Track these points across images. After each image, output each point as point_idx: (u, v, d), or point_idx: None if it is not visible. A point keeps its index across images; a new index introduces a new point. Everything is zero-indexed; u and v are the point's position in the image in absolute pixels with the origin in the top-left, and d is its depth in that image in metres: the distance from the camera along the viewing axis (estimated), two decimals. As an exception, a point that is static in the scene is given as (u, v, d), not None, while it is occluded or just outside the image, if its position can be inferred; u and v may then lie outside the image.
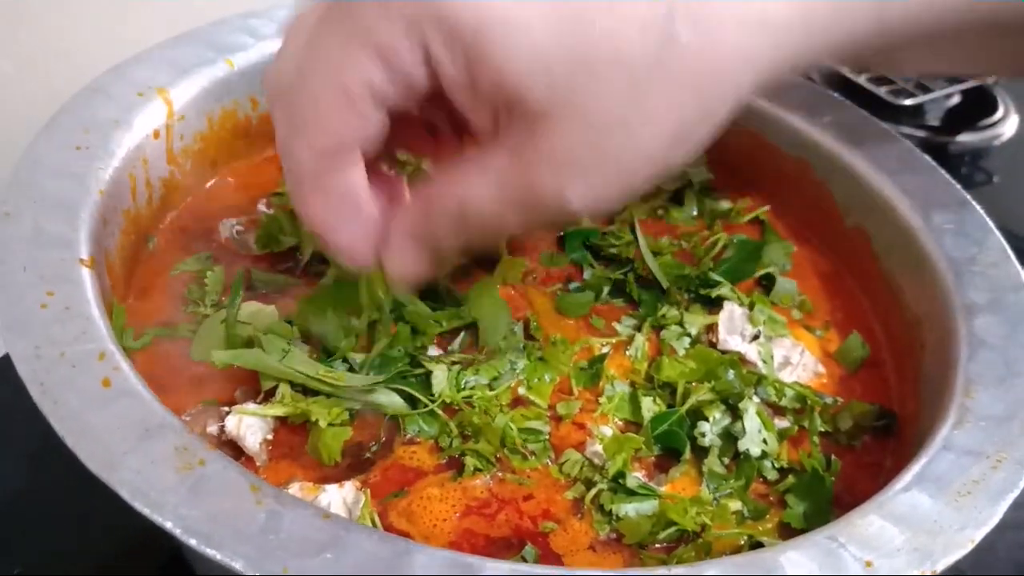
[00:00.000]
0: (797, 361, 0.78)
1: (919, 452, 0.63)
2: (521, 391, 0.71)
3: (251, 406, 0.66)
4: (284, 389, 0.67)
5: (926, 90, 1.25)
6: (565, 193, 0.53)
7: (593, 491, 0.65)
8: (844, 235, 0.91)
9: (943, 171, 0.88)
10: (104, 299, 0.65)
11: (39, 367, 0.55)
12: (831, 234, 0.93)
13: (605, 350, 0.77)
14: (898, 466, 0.63)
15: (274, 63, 0.58)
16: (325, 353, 0.70)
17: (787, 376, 0.77)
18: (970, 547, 0.56)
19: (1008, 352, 0.70)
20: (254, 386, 0.68)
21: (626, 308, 0.82)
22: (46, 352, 0.56)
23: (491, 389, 0.70)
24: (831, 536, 0.55)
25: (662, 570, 0.54)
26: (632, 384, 0.74)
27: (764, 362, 0.77)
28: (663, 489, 0.67)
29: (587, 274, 0.83)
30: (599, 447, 0.68)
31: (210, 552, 0.48)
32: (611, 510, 0.64)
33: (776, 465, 0.70)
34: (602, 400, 0.72)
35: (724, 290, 0.82)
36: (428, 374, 0.69)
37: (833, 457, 0.71)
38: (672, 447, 0.70)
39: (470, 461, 0.66)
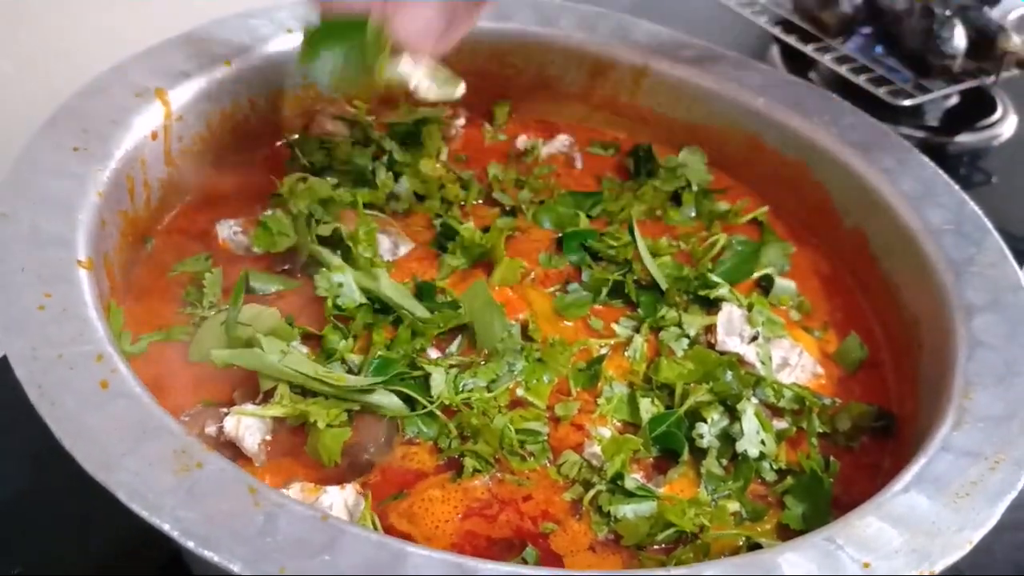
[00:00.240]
0: (796, 362, 0.78)
1: (917, 453, 0.63)
2: (520, 392, 0.71)
3: (250, 407, 0.66)
4: (283, 390, 0.67)
5: (925, 91, 1.24)
6: None
7: (592, 492, 0.66)
8: (843, 236, 0.91)
9: (942, 172, 0.88)
10: (102, 300, 0.65)
11: (36, 368, 0.55)
12: (830, 235, 0.93)
13: (603, 351, 0.77)
14: (897, 467, 0.63)
15: None
16: (324, 355, 0.70)
17: (785, 377, 0.77)
18: (968, 548, 0.56)
19: (1007, 352, 0.70)
20: (253, 387, 0.67)
21: (625, 309, 0.82)
22: (43, 353, 0.56)
23: (489, 391, 0.70)
24: (829, 537, 0.55)
25: (660, 571, 0.54)
26: (630, 385, 0.74)
27: (762, 363, 0.77)
28: (661, 490, 0.67)
29: (585, 275, 0.83)
30: (597, 448, 0.68)
31: (208, 554, 0.48)
32: (609, 511, 0.64)
33: (774, 466, 0.70)
34: (600, 401, 0.72)
35: (723, 291, 0.81)
36: (427, 376, 0.69)
37: (832, 458, 0.71)
38: (670, 448, 0.70)
39: (469, 462, 0.66)
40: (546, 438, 0.69)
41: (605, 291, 0.82)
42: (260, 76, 0.90)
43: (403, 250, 0.83)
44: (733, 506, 0.67)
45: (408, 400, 0.68)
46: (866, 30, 1.34)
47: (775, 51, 1.42)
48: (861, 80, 1.24)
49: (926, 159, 0.89)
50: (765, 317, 0.80)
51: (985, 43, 1.24)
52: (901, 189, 0.86)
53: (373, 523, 0.61)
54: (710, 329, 0.79)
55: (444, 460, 0.67)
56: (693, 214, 0.94)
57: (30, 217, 0.66)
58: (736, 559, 0.57)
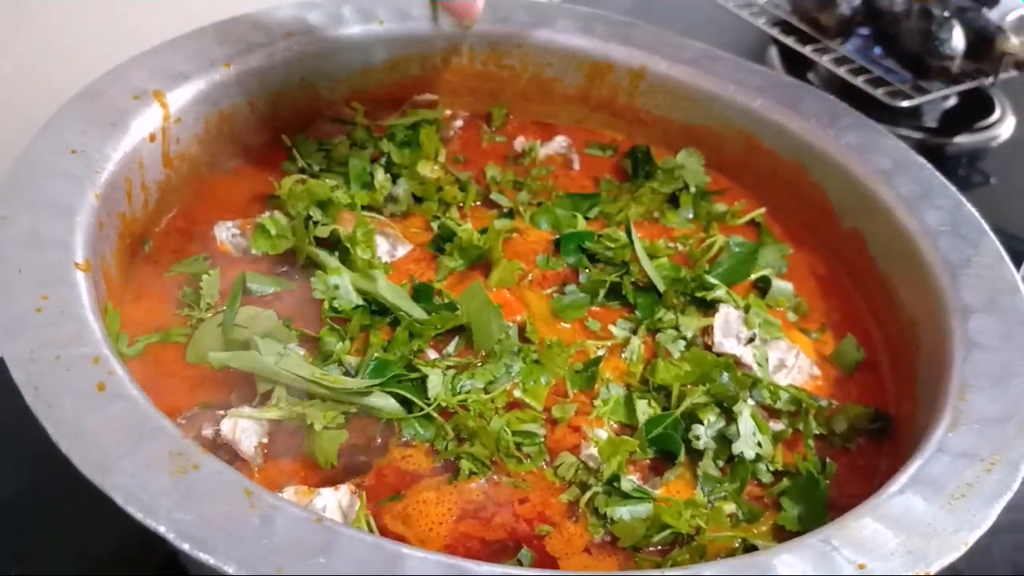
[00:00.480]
0: (792, 363, 0.78)
1: (914, 455, 0.63)
2: (517, 394, 0.71)
3: (247, 409, 0.66)
4: (280, 392, 0.67)
5: (923, 92, 1.24)
6: None
7: (588, 494, 0.66)
8: (840, 237, 0.91)
9: (939, 174, 0.88)
10: (99, 302, 0.65)
11: (34, 371, 0.56)
12: (827, 236, 0.93)
13: (601, 353, 0.77)
14: (893, 468, 0.63)
15: None
16: (321, 357, 0.70)
17: (782, 379, 0.77)
18: (964, 550, 0.56)
19: (1003, 354, 0.70)
20: (250, 389, 0.68)
21: (622, 311, 0.82)
22: (40, 355, 0.57)
23: (486, 392, 0.70)
24: (825, 539, 0.55)
25: (656, 573, 0.54)
26: (627, 387, 0.74)
27: (759, 365, 0.77)
28: (658, 492, 0.67)
29: (583, 277, 0.83)
30: (594, 450, 0.68)
31: (203, 557, 0.48)
32: (606, 513, 0.64)
33: (771, 468, 0.70)
34: (597, 403, 0.72)
35: (720, 293, 0.82)
36: (424, 378, 0.69)
37: (828, 460, 0.71)
38: (667, 450, 0.70)
39: (465, 464, 0.66)
40: (543, 440, 0.69)
41: (602, 293, 0.82)
42: (259, 78, 0.90)
43: (401, 252, 0.83)
44: (729, 508, 0.67)
45: (405, 402, 0.68)
46: (864, 31, 1.34)
47: (773, 52, 1.42)
48: (859, 81, 1.25)
49: (923, 160, 0.89)
50: (762, 319, 0.80)
51: (983, 44, 1.24)
52: (898, 191, 0.86)
53: (368, 525, 0.61)
54: (707, 331, 0.79)
55: (441, 462, 0.67)
56: (690, 216, 0.94)
57: (28, 219, 0.66)
58: (732, 561, 0.57)
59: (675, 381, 0.73)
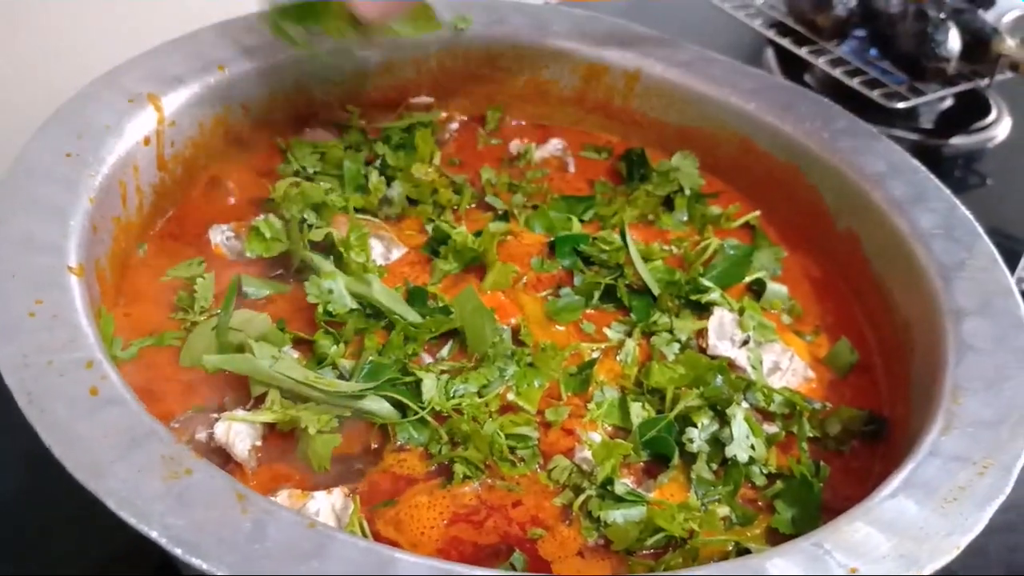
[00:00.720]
0: (787, 366, 0.79)
1: (906, 458, 0.63)
2: (510, 397, 0.72)
3: (240, 412, 0.66)
4: (274, 395, 0.67)
5: (919, 93, 1.24)
6: None
7: (582, 497, 0.66)
8: (835, 239, 0.91)
9: (933, 176, 0.88)
10: (93, 306, 0.65)
11: (27, 375, 0.56)
12: (822, 238, 0.93)
13: (595, 355, 0.77)
14: (887, 471, 0.63)
15: None
16: (316, 360, 0.70)
17: (776, 381, 0.77)
18: (956, 553, 0.56)
19: (996, 357, 0.70)
20: (244, 393, 0.68)
21: (617, 313, 0.82)
22: (34, 360, 0.57)
23: (480, 396, 0.70)
24: (817, 543, 0.55)
25: (649, 577, 0.54)
26: (622, 389, 0.74)
27: (753, 367, 0.77)
28: (651, 495, 0.67)
29: (577, 280, 0.84)
30: (588, 453, 0.68)
31: (196, 562, 0.48)
32: (599, 516, 0.64)
33: (764, 471, 0.70)
34: (591, 406, 0.73)
35: (714, 295, 0.82)
36: (418, 382, 0.69)
37: (822, 462, 0.71)
38: (661, 453, 0.70)
39: (459, 468, 0.66)
40: (536, 443, 0.69)
41: (597, 295, 0.82)
42: (253, 81, 0.90)
43: (395, 255, 0.83)
44: (723, 511, 0.67)
45: (399, 406, 0.68)
46: (860, 33, 1.34)
47: (770, 54, 1.42)
48: (855, 83, 1.25)
49: (918, 163, 0.90)
50: (756, 321, 0.80)
51: (979, 46, 1.24)
52: (893, 193, 0.86)
53: (361, 528, 0.61)
54: (701, 333, 0.79)
55: (435, 466, 0.67)
56: (685, 218, 0.94)
57: (21, 223, 0.66)
58: (724, 564, 0.57)
59: (669, 384, 0.73)
